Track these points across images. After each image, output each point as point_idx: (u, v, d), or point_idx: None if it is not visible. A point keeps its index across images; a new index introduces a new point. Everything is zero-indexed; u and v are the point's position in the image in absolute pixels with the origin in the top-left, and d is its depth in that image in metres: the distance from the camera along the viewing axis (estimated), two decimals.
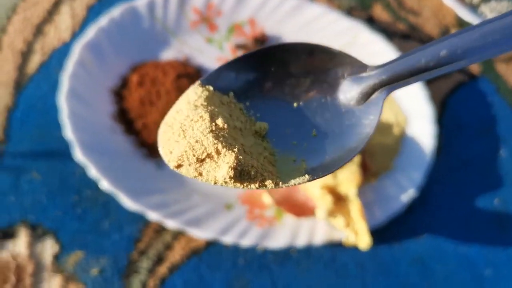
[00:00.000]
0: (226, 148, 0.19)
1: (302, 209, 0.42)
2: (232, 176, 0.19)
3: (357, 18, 0.55)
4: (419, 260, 0.44)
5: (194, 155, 0.20)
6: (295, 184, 0.20)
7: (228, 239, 0.40)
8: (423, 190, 0.46)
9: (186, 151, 0.20)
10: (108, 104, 0.45)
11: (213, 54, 0.49)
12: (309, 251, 0.43)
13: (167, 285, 0.40)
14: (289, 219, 0.42)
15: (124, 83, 0.46)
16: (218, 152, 0.20)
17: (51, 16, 0.51)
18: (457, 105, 0.52)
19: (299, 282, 0.42)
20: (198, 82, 0.21)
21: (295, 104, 0.22)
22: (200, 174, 0.20)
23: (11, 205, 0.41)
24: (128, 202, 0.39)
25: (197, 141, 0.19)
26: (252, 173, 0.20)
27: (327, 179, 0.40)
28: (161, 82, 0.45)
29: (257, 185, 0.20)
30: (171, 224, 0.39)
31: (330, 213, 0.40)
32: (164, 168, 0.43)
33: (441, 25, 0.57)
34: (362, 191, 0.43)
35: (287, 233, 0.41)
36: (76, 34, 0.50)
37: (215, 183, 0.20)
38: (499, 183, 0.49)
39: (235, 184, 0.20)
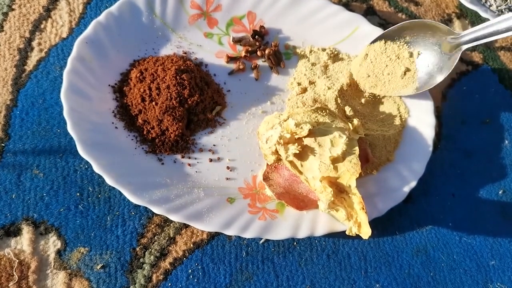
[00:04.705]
0: None
1: (303, 202, 0.44)
2: None
3: (358, 9, 0.57)
4: (423, 251, 0.46)
5: None
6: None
7: (231, 232, 0.42)
8: (426, 181, 0.48)
9: None
10: (109, 100, 0.47)
11: (212, 49, 0.52)
12: (311, 243, 0.45)
13: (170, 279, 0.43)
14: (291, 211, 0.44)
15: (124, 79, 0.48)
16: None
17: (48, 12, 0.54)
18: (460, 95, 0.54)
19: (302, 273, 0.44)
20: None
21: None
22: None
23: (13, 203, 0.44)
24: (131, 197, 0.42)
25: None
26: None
27: (328, 172, 0.42)
28: (161, 77, 0.47)
29: None
30: (175, 218, 0.42)
31: (332, 205, 0.42)
32: (166, 163, 0.45)
33: (443, 14, 0.59)
34: (364, 183, 0.45)
35: (289, 225, 0.43)
36: (74, 30, 0.52)
37: None
38: (503, 173, 0.51)
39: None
